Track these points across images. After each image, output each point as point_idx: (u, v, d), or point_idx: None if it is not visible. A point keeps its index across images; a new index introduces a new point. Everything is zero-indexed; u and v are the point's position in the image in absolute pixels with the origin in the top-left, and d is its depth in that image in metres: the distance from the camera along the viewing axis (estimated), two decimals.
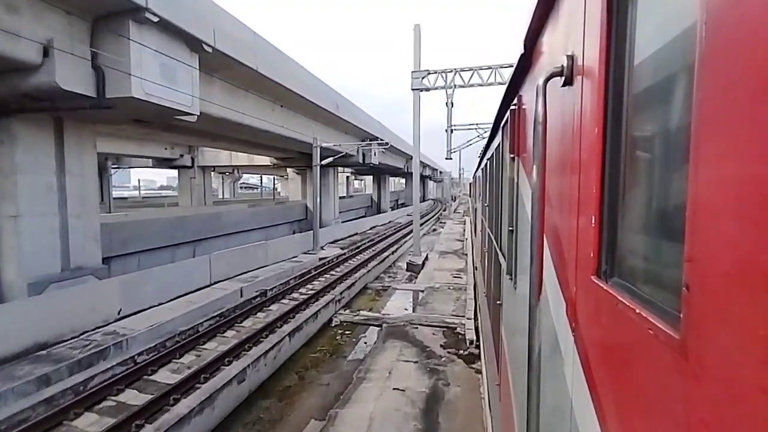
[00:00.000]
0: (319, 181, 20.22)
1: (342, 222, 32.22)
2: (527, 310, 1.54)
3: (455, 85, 16.61)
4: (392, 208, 53.96)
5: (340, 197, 52.15)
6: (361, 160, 26.51)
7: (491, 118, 3.88)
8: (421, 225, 31.94)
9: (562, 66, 1.29)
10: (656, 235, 0.85)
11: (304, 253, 20.49)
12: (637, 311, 0.74)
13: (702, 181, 0.57)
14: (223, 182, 65.55)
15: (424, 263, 18.47)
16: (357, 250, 22.13)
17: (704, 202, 0.56)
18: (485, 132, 18.23)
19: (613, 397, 0.90)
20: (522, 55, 2.15)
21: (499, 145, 4.00)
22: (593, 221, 1.02)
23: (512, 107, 2.71)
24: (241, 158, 34.73)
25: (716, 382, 0.52)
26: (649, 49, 0.86)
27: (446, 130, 19.34)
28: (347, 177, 65.10)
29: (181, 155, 32.42)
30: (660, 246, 0.83)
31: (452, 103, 17.35)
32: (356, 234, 29.91)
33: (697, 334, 0.56)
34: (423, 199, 73.68)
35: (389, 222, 39.07)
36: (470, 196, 26.15)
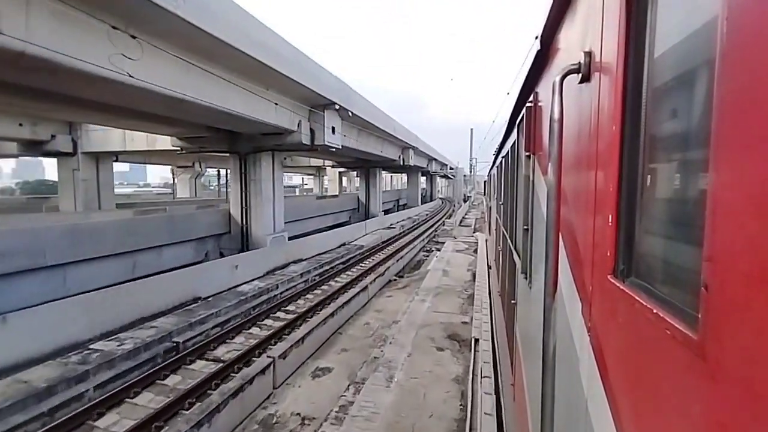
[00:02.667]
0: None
1: (289, 239, 19.19)
2: (542, 309, 1.52)
3: None
4: (387, 211, 39.42)
5: (319, 197, 36.73)
6: (307, 141, 16.23)
7: None
8: (403, 247, 20.48)
9: (579, 62, 1.28)
10: (675, 234, 0.84)
11: None
12: (655, 311, 0.73)
13: (722, 180, 0.56)
14: (174, 177, 45.00)
15: None
16: None
17: (724, 201, 0.55)
18: None
19: (628, 397, 0.89)
20: (538, 52, 2.13)
21: (514, 142, 3.96)
22: (610, 220, 1.00)
23: (528, 104, 2.68)
24: (138, 140, 22.01)
25: (734, 384, 0.52)
26: (668, 44, 0.85)
27: None
28: (339, 173, 53.22)
29: (53, 136, 19.79)
30: (678, 245, 0.82)
31: None
32: (191, 304, 11.11)
33: (716, 335, 0.55)
34: (430, 198, 69.10)
35: (348, 243, 22.44)
36: (485, 195, 23.81)
